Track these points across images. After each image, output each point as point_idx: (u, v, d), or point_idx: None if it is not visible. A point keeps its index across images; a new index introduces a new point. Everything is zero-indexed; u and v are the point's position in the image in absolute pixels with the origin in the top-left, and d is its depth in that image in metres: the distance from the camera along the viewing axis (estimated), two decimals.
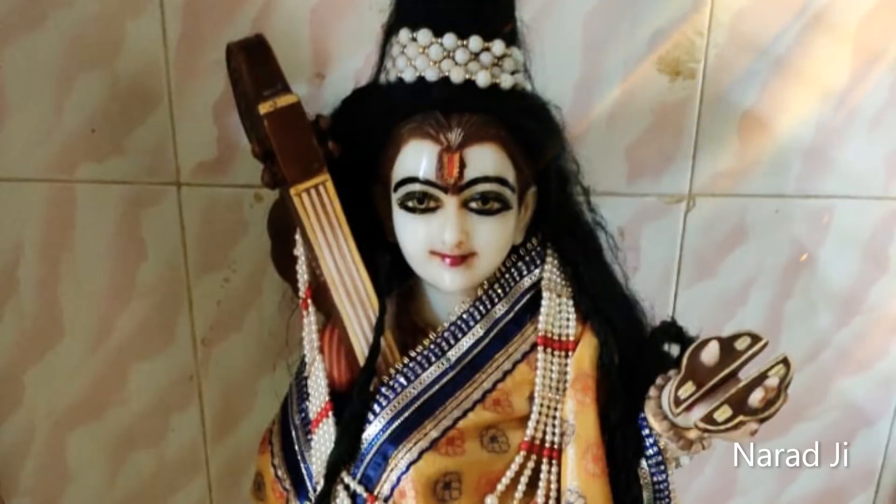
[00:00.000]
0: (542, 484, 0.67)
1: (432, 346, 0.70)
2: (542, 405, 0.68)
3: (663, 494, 0.67)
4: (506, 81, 0.66)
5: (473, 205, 0.66)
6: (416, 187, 0.65)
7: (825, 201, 0.94)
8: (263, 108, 0.63)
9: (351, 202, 0.68)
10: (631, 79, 0.88)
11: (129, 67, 0.86)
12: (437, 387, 0.68)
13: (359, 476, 0.67)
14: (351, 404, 0.68)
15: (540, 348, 0.70)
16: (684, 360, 0.61)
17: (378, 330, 0.68)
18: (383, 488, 0.66)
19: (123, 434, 1.02)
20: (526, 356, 0.70)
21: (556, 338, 0.70)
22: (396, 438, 0.66)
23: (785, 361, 0.58)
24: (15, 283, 0.95)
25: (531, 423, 0.68)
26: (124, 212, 0.92)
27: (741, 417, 0.57)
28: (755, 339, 0.59)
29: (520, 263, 0.72)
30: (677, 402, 0.61)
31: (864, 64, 0.89)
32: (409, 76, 0.66)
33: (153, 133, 0.89)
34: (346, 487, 0.68)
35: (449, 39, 0.64)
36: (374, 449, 0.67)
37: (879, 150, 0.92)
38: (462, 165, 0.64)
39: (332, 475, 0.68)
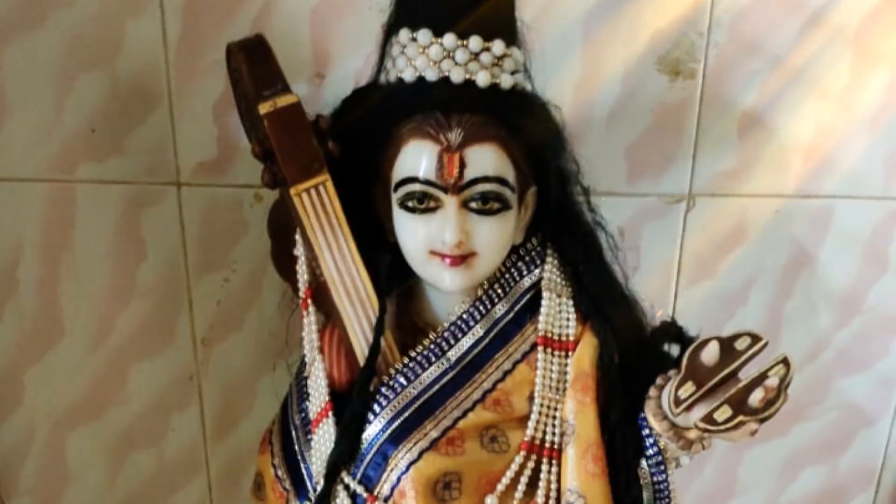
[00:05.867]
0: (542, 484, 0.67)
1: (432, 346, 0.70)
2: (542, 405, 0.68)
3: (663, 494, 0.67)
4: (506, 81, 0.66)
5: (473, 205, 0.66)
6: (416, 187, 0.65)
7: (825, 201, 0.94)
8: (263, 108, 0.63)
9: (351, 202, 0.68)
10: (631, 79, 0.88)
11: (129, 67, 0.86)
12: (437, 387, 0.68)
13: (359, 476, 0.67)
14: (351, 404, 0.68)
15: (540, 348, 0.70)
16: (684, 360, 0.61)
17: (378, 330, 0.68)
18: (383, 488, 0.66)
19: (123, 434, 1.02)
20: (526, 356, 0.70)
21: (555, 338, 0.70)
22: (396, 438, 0.66)
23: (785, 361, 0.58)
24: (15, 283, 0.95)
25: (531, 423, 0.68)
26: (124, 212, 0.92)
27: (741, 417, 0.57)
28: (755, 339, 0.59)
29: (520, 263, 0.72)
30: (677, 402, 0.61)
31: (864, 64, 0.89)
32: (409, 76, 0.66)
33: (153, 133, 0.89)
34: (346, 487, 0.68)
35: (449, 39, 0.65)
36: (374, 449, 0.67)
37: (879, 150, 0.92)
38: (462, 165, 0.64)
39: (332, 475, 0.68)
